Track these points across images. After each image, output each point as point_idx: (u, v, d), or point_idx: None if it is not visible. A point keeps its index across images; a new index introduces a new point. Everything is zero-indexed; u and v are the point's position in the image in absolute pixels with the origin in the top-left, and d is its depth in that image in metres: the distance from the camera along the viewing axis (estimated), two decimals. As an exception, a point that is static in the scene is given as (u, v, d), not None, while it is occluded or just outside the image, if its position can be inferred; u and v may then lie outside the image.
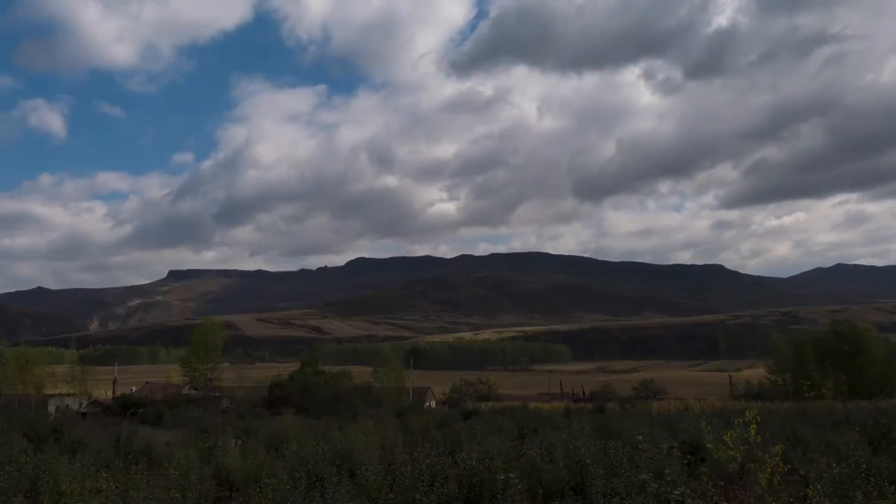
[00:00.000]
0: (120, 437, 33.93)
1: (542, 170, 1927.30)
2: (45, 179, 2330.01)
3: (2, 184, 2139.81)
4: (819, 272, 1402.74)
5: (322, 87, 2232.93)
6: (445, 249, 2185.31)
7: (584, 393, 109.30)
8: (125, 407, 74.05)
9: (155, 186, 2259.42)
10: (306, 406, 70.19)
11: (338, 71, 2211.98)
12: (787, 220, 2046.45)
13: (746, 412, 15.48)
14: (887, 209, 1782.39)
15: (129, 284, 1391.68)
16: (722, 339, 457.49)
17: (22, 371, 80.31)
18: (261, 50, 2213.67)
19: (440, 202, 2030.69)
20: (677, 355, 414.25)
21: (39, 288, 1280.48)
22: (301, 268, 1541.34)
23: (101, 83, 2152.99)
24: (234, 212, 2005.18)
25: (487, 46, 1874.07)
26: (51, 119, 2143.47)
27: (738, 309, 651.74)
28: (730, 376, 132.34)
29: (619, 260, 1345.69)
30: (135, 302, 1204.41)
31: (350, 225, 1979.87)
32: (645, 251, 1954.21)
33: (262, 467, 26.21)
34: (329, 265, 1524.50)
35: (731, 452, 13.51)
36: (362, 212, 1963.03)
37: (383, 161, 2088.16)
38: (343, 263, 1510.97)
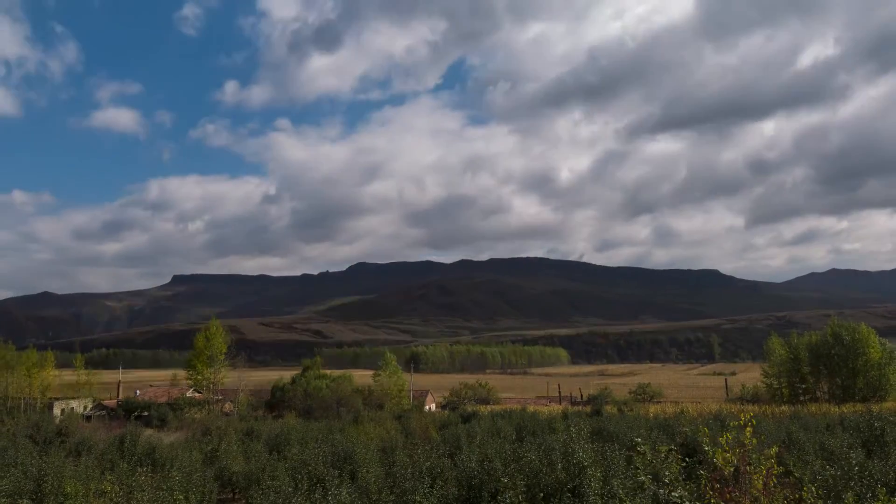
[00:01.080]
0: (124, 440, 34.15)
1: (617, 190, 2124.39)
2: (154, 186, 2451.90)
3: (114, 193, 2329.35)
4: (813, 277, 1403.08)
5: (477, 112, 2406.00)
6: (505, 251, 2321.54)
7: (581, 396, 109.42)
8: (129, 410, 74.22)
9: (258, 193, 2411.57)
10: (308, 409, 70.50)
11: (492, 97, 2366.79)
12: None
13: (742, 415, 15.78)
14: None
15: (133, 289, 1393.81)
16: (718, 342, 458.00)
17: (29, 375, 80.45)
18: (438, 75, 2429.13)
19: (529, 214, 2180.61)
20: (674, 359, 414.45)
21: (45, 293, 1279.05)
22: (303, 273, 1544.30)
23: (286, 110, 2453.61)
24: (315, 220, 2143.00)
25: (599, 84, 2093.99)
26: (214, 138, 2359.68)
27: (734, 313, 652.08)
28: (725, 380, 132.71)
29: (617, 265, 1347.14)
30: (139, 306, 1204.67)
31: (436, 230, 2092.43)
32: (687, 259, 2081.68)
33: (265, 469, 26.49)
34: (331, 270, 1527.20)
35: (727, 455, 13.73)
36: (448, 219, 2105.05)
37: (495, 175, 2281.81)
38: (345, 268, 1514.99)
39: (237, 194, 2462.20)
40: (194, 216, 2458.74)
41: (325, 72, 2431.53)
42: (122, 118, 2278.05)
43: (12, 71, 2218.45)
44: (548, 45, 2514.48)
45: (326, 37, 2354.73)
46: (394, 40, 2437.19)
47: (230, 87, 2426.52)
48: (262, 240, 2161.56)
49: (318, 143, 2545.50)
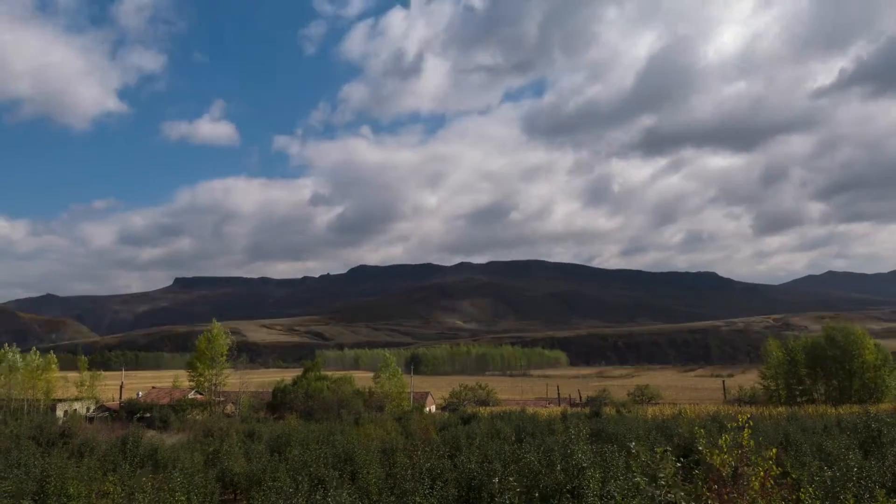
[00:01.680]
0: (126, 441, 34.25)
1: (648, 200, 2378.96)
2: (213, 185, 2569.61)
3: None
4: (810, 279, 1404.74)
5: (541, 126, 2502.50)
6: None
7: (580, 398, 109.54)
8: (132, 411, 74.16)
9: (309, 197, 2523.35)
10: (309, 410, 70.55)
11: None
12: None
13: (739, 416, 15.93)
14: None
15: (136, 291, 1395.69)
16: (715, 344, 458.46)
17: (32, 377, 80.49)
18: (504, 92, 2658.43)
19: (567, 221, 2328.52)
20: (672, 361, 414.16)
21: (49, 295, 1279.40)
22: (304, 275, 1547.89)
23: (372, 121, 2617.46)
24: (357, 224, 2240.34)
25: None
26: (294, 146, 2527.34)
27: (731, 315, 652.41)
28: (723, 381, 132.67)
29: (616, 268, 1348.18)
30: (142, 308, 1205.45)
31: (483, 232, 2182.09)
32: (692, 262, 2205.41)
33: (266, 470, 26.63)
34: (332, 272, 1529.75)
35: (725, 456, 13.85)
36: (486, 225, 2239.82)
37: (543, 185, 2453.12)
38: (345, 271, 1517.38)
39: (292, 199, 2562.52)
40: (239, 220, 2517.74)
41: (412, 93, 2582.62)
42: (220, 131, 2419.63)
43: (141, 88, 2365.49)
44: (609, 64, 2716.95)
45: (415, 62, 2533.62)
46: (476, 59, 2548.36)
47: (324, 105, 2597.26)
48: (298, 243, 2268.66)
49: (395, 150, 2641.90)
